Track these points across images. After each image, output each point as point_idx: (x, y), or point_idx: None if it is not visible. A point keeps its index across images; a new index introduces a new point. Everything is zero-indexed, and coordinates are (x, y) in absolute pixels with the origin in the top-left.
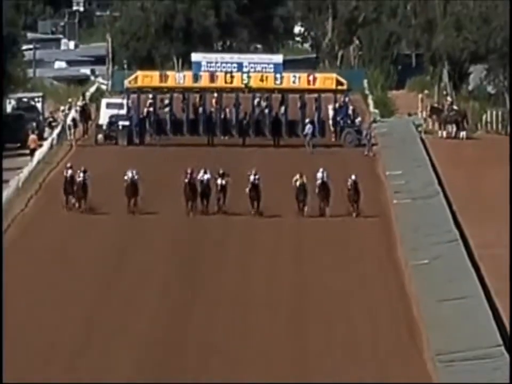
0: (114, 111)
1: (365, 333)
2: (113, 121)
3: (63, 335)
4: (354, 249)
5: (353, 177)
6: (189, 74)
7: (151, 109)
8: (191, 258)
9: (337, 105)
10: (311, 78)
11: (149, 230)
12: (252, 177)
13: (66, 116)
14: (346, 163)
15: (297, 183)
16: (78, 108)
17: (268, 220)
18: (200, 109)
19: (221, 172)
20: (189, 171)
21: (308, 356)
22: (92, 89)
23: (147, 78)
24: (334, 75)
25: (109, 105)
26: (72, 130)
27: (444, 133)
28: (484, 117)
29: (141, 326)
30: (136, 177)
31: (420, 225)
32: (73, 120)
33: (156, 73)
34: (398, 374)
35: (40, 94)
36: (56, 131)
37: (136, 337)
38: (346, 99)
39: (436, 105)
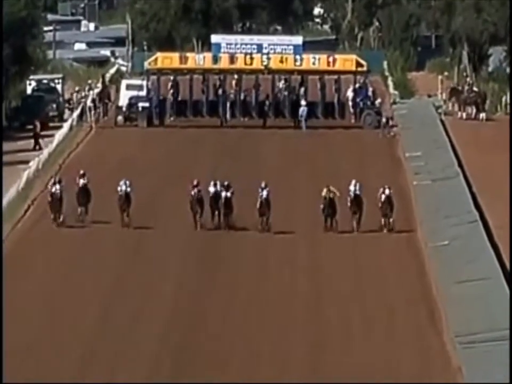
0: (134, 93)
1: (384, 314)
2: (133, 102)
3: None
4: (373, 231)
5: (387, 191)
6: (208, 55)
7: (171, 90)
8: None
9: (357, 86)
10: (330, 59)
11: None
12: (262, 191)
13: (86, 97)
14: (365, 145)
15: (324, 196)
16: (98, 90)
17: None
18: (220, 91)
19: (225, 183)
20: (195, 183)
21: (325, 337)
22: (112, 70)
23: (167, 59)
24: (354, 56)
25: (128, 87)
26: (92, 112)
27: (464, 114)
28: (503, 99)
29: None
30: (129, 189)
31: (439, 207)
32: (93, 101)
33: (175, 55)
34: (417, 355)
35: (60, 75)
36: (76, 113)
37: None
38: (366, 80)
39: (455, 86)
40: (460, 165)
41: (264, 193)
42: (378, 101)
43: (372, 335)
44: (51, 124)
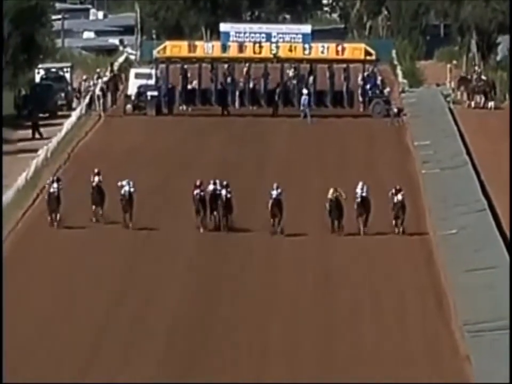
0: (143, 81)
1: (392, 302)
2: (141, 91)
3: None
4: (382, 219)
5: (400, 196)
6: (217, 44)
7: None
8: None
9: (365, 74)
10: (339, 48)
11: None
12: (274, 192)
13: (94, 86)
14: (374, 134)
15: (331, 199)
16: (106, 78)
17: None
18: (229, 79)
19: (224, 183)
20: (197, 183)
21: (336, 321)
22: (121, 59)
23: (176, 48)
24: (363, 45)
25: (137, 76)
26: (101, 101)
27: (472, 103)
28: None
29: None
30: (132, 189)
31: (448, 195)
32: (102, 90)
33: (184, 43)
34: (426, 343)
35: (69, 64)
36: (85, 101)
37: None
38: (375, 69)
39: (464, 75)
40: (469, 154)
41: (275, 193)
42: (387, 89)
43: (381, 321)
44: (59, 113)
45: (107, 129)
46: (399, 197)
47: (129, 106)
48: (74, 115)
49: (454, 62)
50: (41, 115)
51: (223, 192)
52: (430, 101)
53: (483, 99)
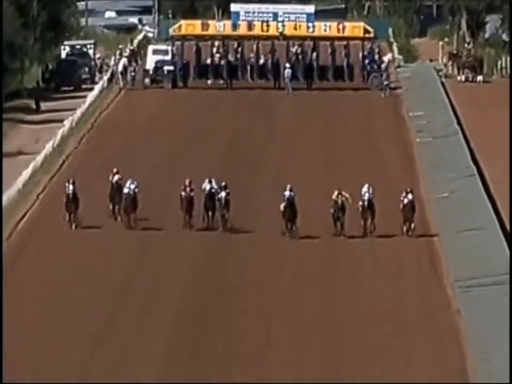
0: (160, 57)
1: (389, 261)
2: (159, 66)
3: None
4: (379, 184)
5: (410, 196)
6: (228, 23)
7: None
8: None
9: (369, 49)
10: (340, 26)
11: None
12: (287, 193)
13: (118, 61)
14: (372, 105)
15: (335, 200)
16: (126, 54)
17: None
18: (239, 55)
19: (223, 184)
20: (186, 182)
21: (338, 278)
22: (139, 37)
23: (190, 26)
24: (362, 24)
25: (155, 52)
26: (123, 76)
27: (462, 77)
28: (499, 63)
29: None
30: (136, 190)
31: (440, 162)
32: (124, 67)
33: (198, 22)
34: (420, 298)
35: (92, 41)
36: (106, 76)
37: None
38: (373, 46)
39: (455, 52)
40: (459, 123)
41: (288, 194)
42: (384, 64)
43: (380, 277)
44: (83, 86)
45: (127, 101)
46: (409, 196)
47: (147, 80)
48: (97, 88)
49: (446, 39)
50: (66, 88)
51: (223, 194)
52: (424, 75)
53: (472, 73)
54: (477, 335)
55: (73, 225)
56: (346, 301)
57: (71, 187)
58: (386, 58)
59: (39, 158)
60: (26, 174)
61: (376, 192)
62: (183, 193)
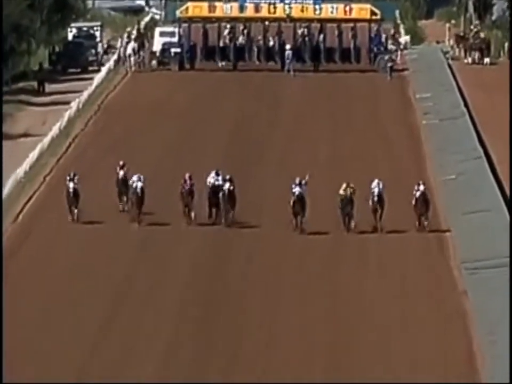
0: (167, 39)
1: (396, 242)
2: (166, 48)
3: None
4: (385, 168)
5: (422, 187)
6: (235, 5)
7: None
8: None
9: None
10: (347, 8)
11: None
12: (297, 188)
13: (127, 44)
14: (379, 87)
15: (345, 195)
16: (133, 36)
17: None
18: (246, 37)
19: (227, 177)
20: (186, 177)
21: (342, 261)
22: (146, 19)
23: (197, 8)
24: (369, 6)
25: (162, 34)
26: (132, 59)
27: (469, 59)
28: (506, 45)
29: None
30: (143, 186)
31: (446, 144)
32: (133, 50)
33: (205, 4)
34: (427, 280)
35: (99, 23)
36: (113, 58)
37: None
38: (380, 28)
39: (461, 34)
40: (466, 105)
41: (298, 189)
42: (390, 46)
43: (385, 260)
44: (90, 68)
45: (134, 83)
46: (421, 187)
47: (154, 62)
48: (104, 70)
49: (453, 21)
50: (73, 70)
51: (227, 185)
52: (430, 57)
53: (479, 55)
54: (483, 317)
55: (74, 218)
56: (351, 282)
57: (71, 184)
58: (403, 40)
59: (46, 140)
60: (33, 156)
61: (382, 175)
62: (183, 188)
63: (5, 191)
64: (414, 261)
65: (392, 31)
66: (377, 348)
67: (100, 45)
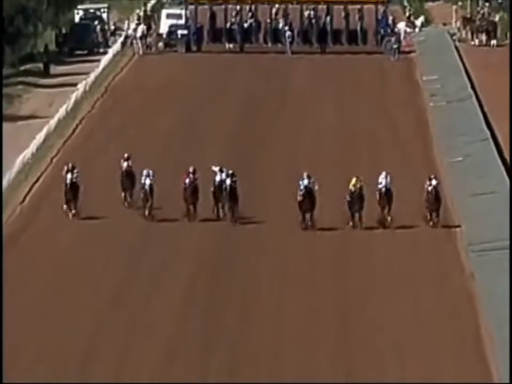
0: (174, 21)
1: (403, 225)
2: (172, 30)
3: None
4: (392, 151)
5: (434, 182)
6: None
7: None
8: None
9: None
10: None
11: None
12: (305, 182)
13: (137, 26)
14: (386, 69)
15: (353, 189)
16: (143, 19)
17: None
18: (252, 20)
19: (230, 172)
20: (190, 170)
21: (351, 247)
22: (153, 1)
23: None
24: None
25: (168, 16)
26: (142, 42)
27: (476, 41)
28: None
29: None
30: (152, 182)
31: (453, 126)
32: (143, 33)
33: None
34: (434, 262)
35: (106, 5)
36: (120, 40)
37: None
38: (387, 10)
39: (468, 16)
40: (473, 87)
41: (306, 182)
42: (397, 29)
43: (393, 241)
44: (97, 50)
45: (141, 65)
46: (433, 182)
47: (161, 44)
48: (111, 52)
49: (459, 3)
50: (80, 52)
51: (228, 181)
52: (438, 39)
53: (486, 37)
54: (490, 299)
55: (72, 213)
56: (359, 266)
57: (69, 176)
58: (419, 22)
59: (53, 122)
60: (40, 137)
61: (389, 157)
62: (186, 181)
63: (12, 172)
64: (421, 244)
65: (407, 13)
66: (386, 335)
67: (106, 27)
